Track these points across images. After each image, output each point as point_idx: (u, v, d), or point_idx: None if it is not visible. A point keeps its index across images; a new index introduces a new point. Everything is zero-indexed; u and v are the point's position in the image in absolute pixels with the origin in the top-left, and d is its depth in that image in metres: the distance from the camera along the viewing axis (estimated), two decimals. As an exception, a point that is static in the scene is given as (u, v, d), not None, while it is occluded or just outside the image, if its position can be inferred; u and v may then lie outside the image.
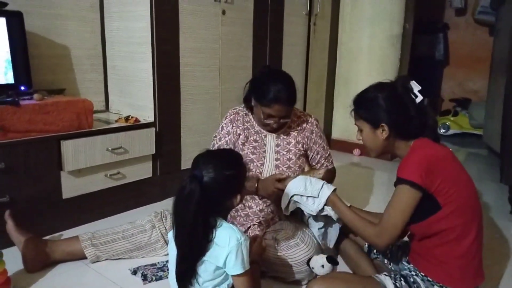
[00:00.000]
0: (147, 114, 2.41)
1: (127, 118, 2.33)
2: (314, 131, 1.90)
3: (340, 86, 3.78)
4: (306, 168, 1.82)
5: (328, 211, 1.57)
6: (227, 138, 1.83)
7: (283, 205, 1.62)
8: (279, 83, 1.67)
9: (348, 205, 1.52)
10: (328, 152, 1.95)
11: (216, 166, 1.21)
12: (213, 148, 1.83)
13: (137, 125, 2.31)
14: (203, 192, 1.16)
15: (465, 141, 4.58)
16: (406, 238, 1.53)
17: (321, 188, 1.55)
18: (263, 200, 1.80)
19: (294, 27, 3.28)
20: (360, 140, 1.49)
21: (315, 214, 1.58)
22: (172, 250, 1.27)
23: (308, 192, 1.55)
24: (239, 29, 2.79)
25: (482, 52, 4.79)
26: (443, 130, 4.80)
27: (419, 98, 1.37)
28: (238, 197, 1.27)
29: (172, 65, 2.43)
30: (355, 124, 1.49)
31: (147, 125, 2.36)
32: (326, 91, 3.79)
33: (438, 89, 5.25)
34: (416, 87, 1.38)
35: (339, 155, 3.59)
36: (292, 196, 1.58)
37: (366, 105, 1.42)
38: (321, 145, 1.91)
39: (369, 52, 3.55)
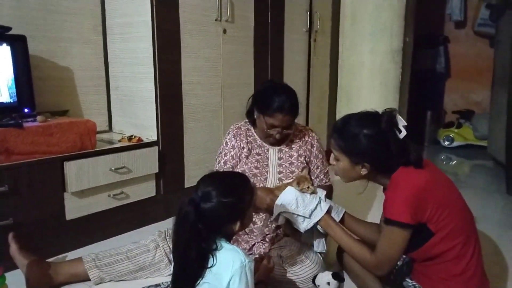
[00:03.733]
0: (150, 133, 2.41)
1: (130, 138, 2.34)
2: (315, 145, 1.90)
3: (342, 101, 3.78)
4: (304, 172, 1.81)
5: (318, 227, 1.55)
6: (232, 153, 1.83)
7: (273, 216, 1.60)
8: (282, 94, 1.70)
9: (340, 217, 1.50)
10: (327, 169, 1.94)
11: (215, 191, 1.18)
12: (219, 164, 1.83)
13: (140, 144, 2.32)
14: (198, 216, 1.14)
15: (469, 152, 4.55)
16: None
17: (314, 209, 1.52)
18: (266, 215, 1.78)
19: (294, 44, 3.30)
20: (333, 164, 1.44)
21: (302, 231, 1.56)
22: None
23: (300, 211, 1.53)
24: (240, 47, 2.81)
25: (483, 63, 4.79)
26: (447, 142, 4.78)
27: (403, 133, 1.33)
28: (238, 223, 1.23)
29: (175, 84, 2.44)
30: (332, 151, 1.43)
31: (150, 144, 2.36)
32: (328, 106, 3.80)
33: (440, 102, 5.24)
34: (401, 122, 1.34)
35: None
36: (281, 213, 1.56)
37: (348, 139, 1.36)
38: (321, 160, 1.91)
39: (370, 67, 3.55)
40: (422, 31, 4.65)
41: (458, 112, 4.91)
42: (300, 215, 1.53)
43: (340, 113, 3.84)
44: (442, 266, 1.32)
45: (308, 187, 1.56)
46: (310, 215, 1.52)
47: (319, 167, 1.90)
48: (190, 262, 1.17)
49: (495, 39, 4.05)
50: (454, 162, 4.30)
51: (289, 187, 1.58)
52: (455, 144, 4.75)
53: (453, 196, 1.35)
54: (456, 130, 4.77)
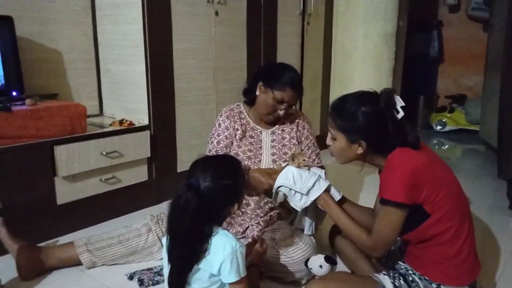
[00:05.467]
0: (142, 117, 2.39)
1: (121, 122, 2.31)
2: (305, 127, 1.92)
3: (336, 86, 3.76)
4: (297, 149, 1.79)
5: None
6: (226, 133, 1.82)
7: (273, 195, 1.59)
8: (291, 71, 1.76)
9: (340, 195, 1.50)
10: (318, 150, 1.95)
11: (214, 174, 1.18)
12: (212, 144, 1.82)
13: (132, 129, 2.29)
14: (200, 201, 1.14)
15: (462, 137, 4.58)
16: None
17: (312, 186, 1.51)
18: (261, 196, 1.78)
19: (288, 27, 3.27)
20: (330, 145, 1.45)
21: (299, 210, 1.56)
22: (166, 256, 1.25)
23: (297, 187, 1.52)
24: (232, 30, 2.77)
25: (477, 48, 4.79)
26: (440, 127, 4.81)
27: (401, 114, 1.33)
28: (236, 205, 1.25)
29: (166, 67, 2.41)
30: (329, 129, 1.44)
31: (141, 128, 2.34)
32: (321, 90, 3.78)
33: (433, 86, 5.24)
34: (399, 102, 1.34)
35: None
36: (279, 187, 1.55)
37: (345, 117, 1.37)
38: (312, 141, 1.93)
39: (363, 50, 3.53)
40: (415, 15, 4.62)
41: (450, 97, 4.92)
42: (297, 191, 1.52)
43: (334, 97, 3.81)
44: (435, 248, 1.32)
45: (304, 160, 1.55)
46: (308, 192, 1.51)
47: (310, 148, 1.91)
48: (194, 250, 1.17)
49: (489, 23, 4.03)
50: (446, 147, 4.33)
51: (287, 166, 1.57)
52: (447, 128, 4.77)
53: (449, 178, 1.35)
54: (448, 115, 4.79)
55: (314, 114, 3.70)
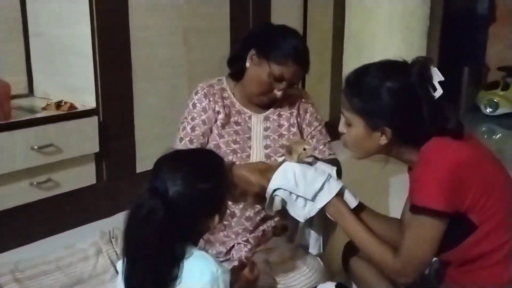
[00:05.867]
0: (87, 98, 2.38)
1: (58, 105, 2.29)
2: (308, 111, 1.92)
3: (351, 52, 3.76)
4: (295, 137, 1.81)
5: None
6: (203, 117, 1.81)
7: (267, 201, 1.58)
8: (295, 39, 1.75)
9: (357, 201, 1.52)
10: (328, 138, 1.95)
11: (187, 175, 1.18)
12: (184, 132, 1.82)
13: (73, 114, 2.28)
14: (167, 212, 1.13)
15: (519, 122, 4.63)
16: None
17: (320, 189, 1.51)
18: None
19: (286, -26, 3.27)
20: (343, 133, 1.46)
21: (302, 221, 1.55)
22: (122, 287, 1.24)
23: (299, 190, 1.50)
24: (210, -23, 2.78)
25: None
26: (490, 109, 4.84)
27: (439, 91, 1.34)
28: (217, 218, 1.24)
29: (119, 29, 2.40)
30: (341, 112, 1.44)
31: (87, 113, 2.33)
32: (331, 59, 3.78)
33: (482, 55, 5.28)
34: (437, 76, 1.35)
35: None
36: (276, 190, 1.53)
37: (365, 94, 1.37)
38: (318, 128, 1.92)
39: (389, 6, 3.53)
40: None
41: (504, 69, 4.95)
42: (300, 196, 1.52)
43: (348, 68, 3.83)
44: (484, 272, 1.33)
45: (304, 149, 1.53)
46: (314, 197, 1.51)
47: (316, 137, 1.91)
48: (161, 275, 1.16)
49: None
50: (498, 136, 4.37)
51: (286, 162, 1.56)
52: (500, 111, 4.81)
53: (503, 178, 1.36)
54: (501, 93, 4.82)
55: (321, 93, 3.71)
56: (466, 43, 5.00)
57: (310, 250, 1.69)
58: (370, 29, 3.64)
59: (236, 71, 1.85)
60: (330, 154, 1.90)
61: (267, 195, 1.56)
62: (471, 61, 5.07)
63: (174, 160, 1.23)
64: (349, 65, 3.81)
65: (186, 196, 1.17)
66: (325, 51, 3.73)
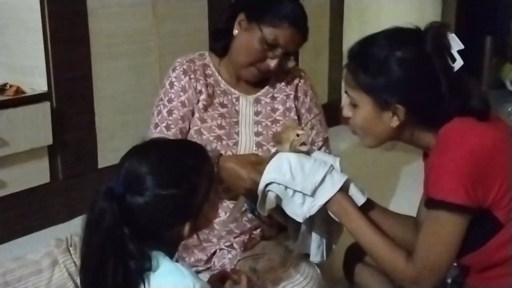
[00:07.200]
0: (37, 80, 2.39)
1: (2, 88, 2.30)
2: (309, 94, 1.93)
3: (352, 22, 3.77)
4: (287, 122, 1.81)
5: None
6: (183, 97, 1.81)
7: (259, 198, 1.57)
8: (291, 2, 1.77)
9: (365, 197, 1.51)
10: (327, 132, 1.98)
11: (152, 176, 1.17)
12: (159, 117, 1.81)
13: (21, 99, 2.29)
14: (121, 216, 1.13)
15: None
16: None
17: (320, 182, 1.50)
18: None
19: None
20: (348, 117, 1.46)
21: (300, 220, 1.54)
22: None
23: (297, 184, 1.49)
24: None
25: None
26: (517, 85, 4.88)
27: (459, 62, 1.34)
28: (187, 226, 1.23)
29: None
30: (345, 92, 1.45)
31: (37, 99, 2.35)
32: (329, 32, 3.80)
33: (506, 23, 5.29)
34: (456, 44, 1.35)
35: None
36: (268, 185, 1.53)
37: (372, 68, 1.37)
38: (318, 117, 1.94)
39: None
40: None
41: (534, 38, 4.98)
42: (297, 191, 1.50)
43: (350, 41, 3.83)
44: (510, 279, 1.34)
45: (297, 135, 1.52)
46: (314, 192, 1.50)
47: (315, 128, 1.92)
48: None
49: None
50: (526, 116, 4.39)
51: (280, 153, 1.55)
52: (527, 87, 4.85)
53: None
54: (530, 67, 4.86)
55: (318, 69, 3.71)
56: (488, 7, 5.01)
57: (312, 258, 1.67)
58: (374, -6, 3.64)
59: (222, 46, 1.85)
60: (325, 151, 1.92)
61: (259, 191, 1.54)
62: (495, 29, 5.08)
63: (141, 156, 1.22)
64: (350, 36, 3.82)
65: (145, 202, 1.16)
66: (322, 21, 3.75)
